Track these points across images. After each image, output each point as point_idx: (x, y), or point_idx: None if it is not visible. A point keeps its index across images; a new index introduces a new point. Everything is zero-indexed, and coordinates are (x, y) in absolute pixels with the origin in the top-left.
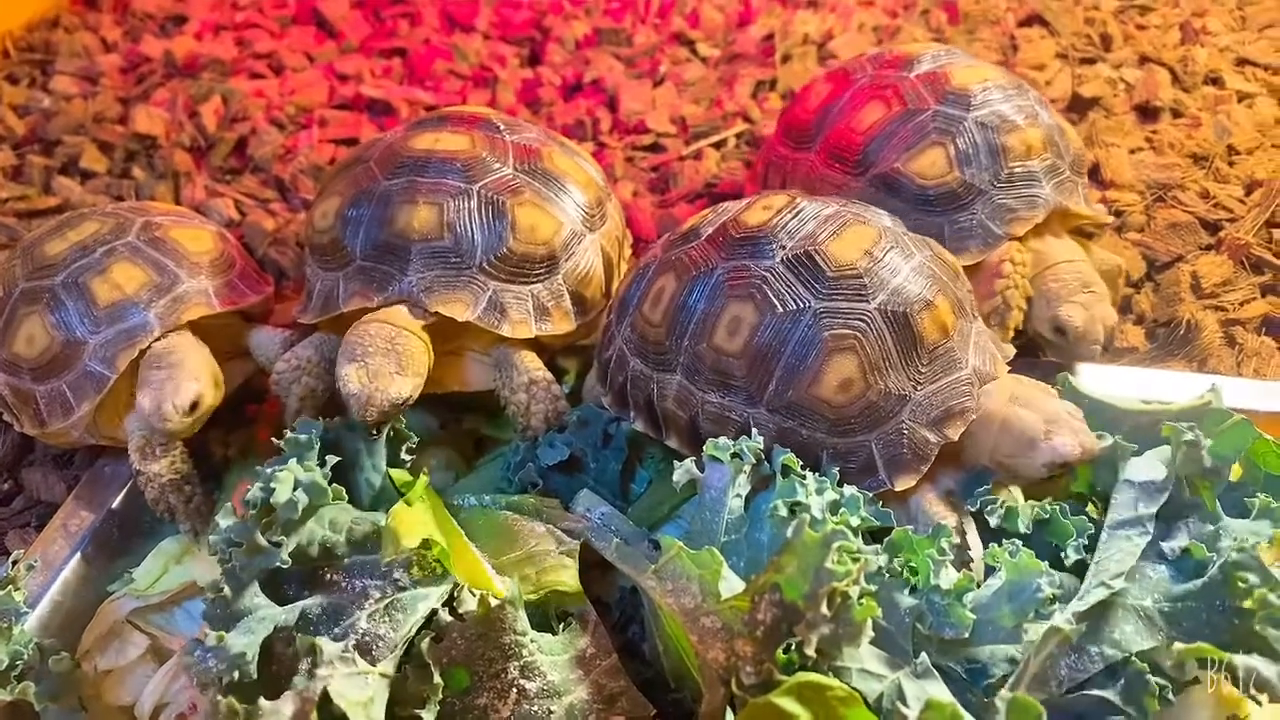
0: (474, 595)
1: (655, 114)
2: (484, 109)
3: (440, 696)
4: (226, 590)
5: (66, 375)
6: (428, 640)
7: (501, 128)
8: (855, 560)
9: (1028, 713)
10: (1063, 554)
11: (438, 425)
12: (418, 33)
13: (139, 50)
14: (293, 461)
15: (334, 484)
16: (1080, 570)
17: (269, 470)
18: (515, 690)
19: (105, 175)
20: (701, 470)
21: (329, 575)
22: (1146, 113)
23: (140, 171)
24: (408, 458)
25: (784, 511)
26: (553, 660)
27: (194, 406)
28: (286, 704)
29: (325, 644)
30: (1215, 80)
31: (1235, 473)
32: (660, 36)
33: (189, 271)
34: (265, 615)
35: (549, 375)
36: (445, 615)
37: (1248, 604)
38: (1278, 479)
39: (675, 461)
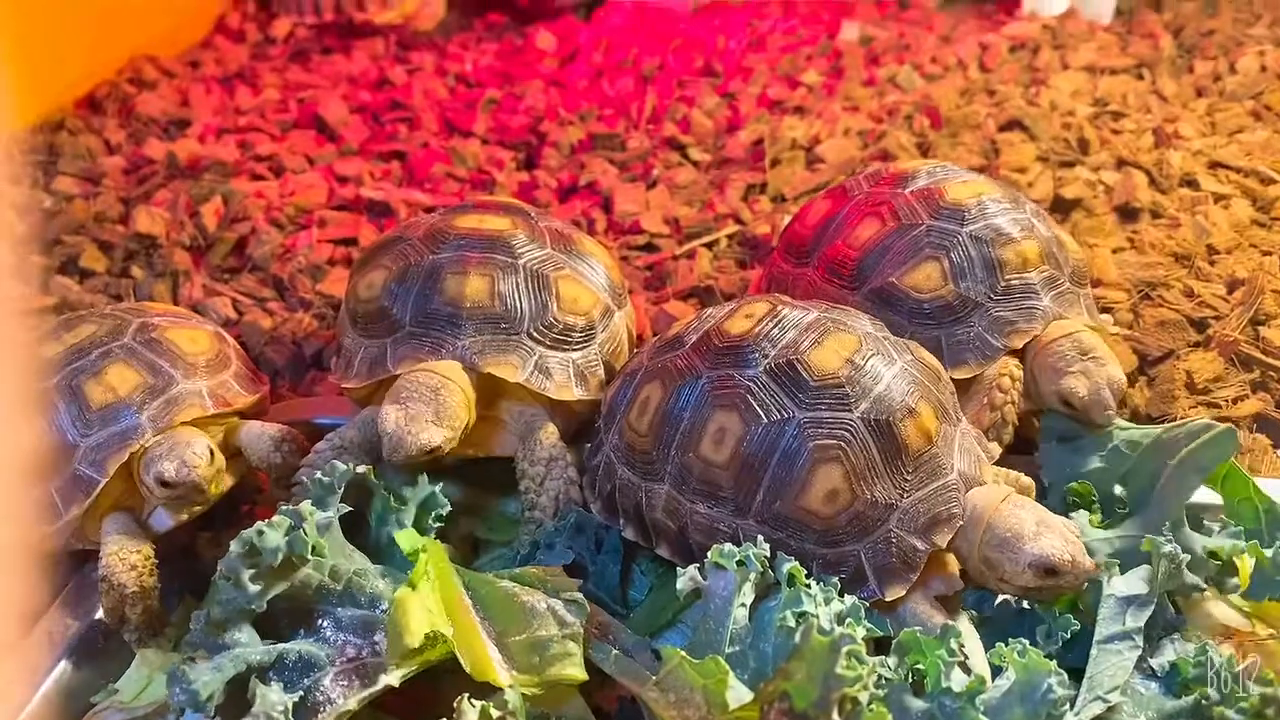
0: (474, 708)
1: (649, 215)
2: (513, 200)
3: None
4: (209, 622)
5: (55, 479)
6: None
7: (533, 215)
8: (864, 665)
9: None
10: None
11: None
12: (416, 136)
13: (142, 152)
14: (306, 504)
15: (343, 533)
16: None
17: (283, 510)
18: None
19: (104, 274)
20: (705, 578)
21: (320, 620)
22: (1126, 213)
23: (139, 271)
24: (435, 525)
25: (791, 622)
26: None
27: (212, 455)
28: None
29: (268, 694)
30: (1190, 182)
31: None
32: (653, 142)
33: (184, 373)
34: (240, 654)
35: (569, 456)
36: None
37: None
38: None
39: (678, 568)
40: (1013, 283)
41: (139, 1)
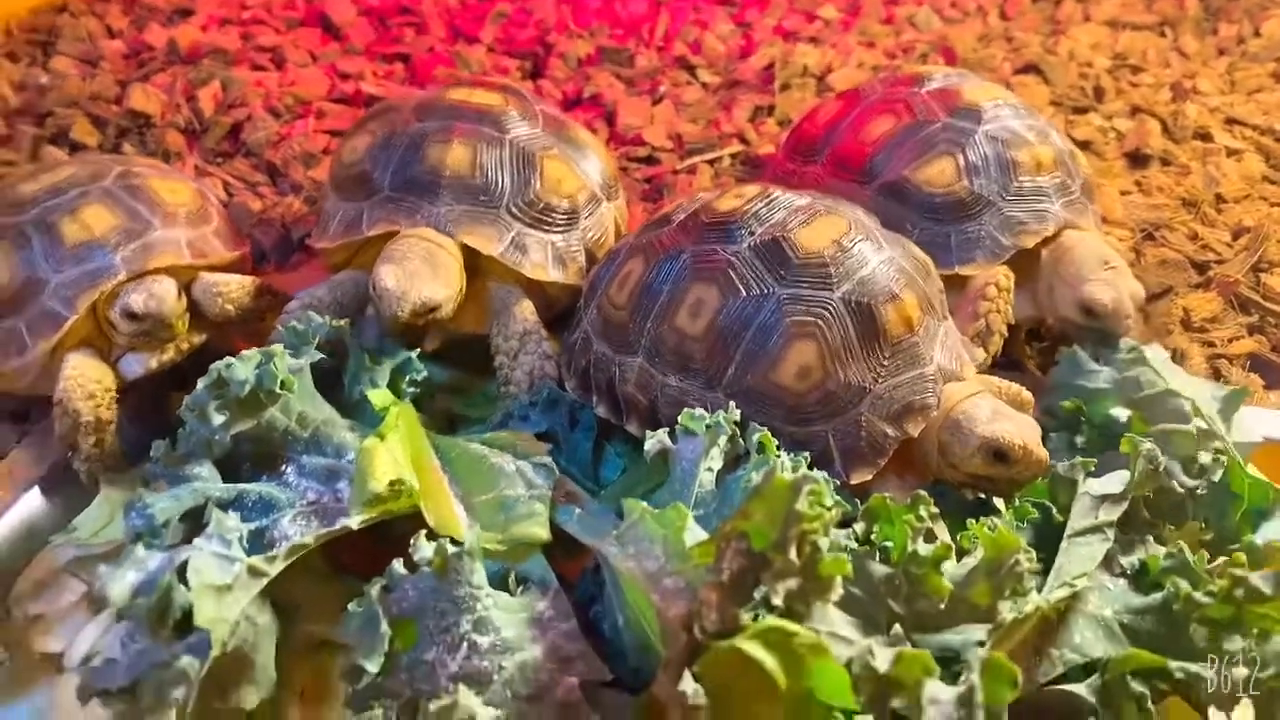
0: (430, 544)
1: (652, 129)
2: (512, 82)
3: (386, 649)
4: (173, 453)
5: (25, 313)
6: (379, 587)
7: (529, 97)
8: (827, 509)
9: (1001, 672)
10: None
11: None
12: (423, 41)
13: (143, 38)
14: (278, 346)
15: (318, 384)
16: None
17: (253, 351)
18: (466, 644)
19: (95, 149)
20: (674, 442)
21: (282, 465)
22: (1137, 160)
23: (131, 147)
24: (410, 390)
25: (757, 480)
26: (508, 617)
27: (180, 293)
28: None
29: (225, 519)
30: (1204, 135)
31: None
32: (662, 61)
33: (163, 220)
34: (200, 487)
35: (543, 331)
36: (399, 568)
37: (1177, 607)
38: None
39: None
40: (1025, 185)
41: None
